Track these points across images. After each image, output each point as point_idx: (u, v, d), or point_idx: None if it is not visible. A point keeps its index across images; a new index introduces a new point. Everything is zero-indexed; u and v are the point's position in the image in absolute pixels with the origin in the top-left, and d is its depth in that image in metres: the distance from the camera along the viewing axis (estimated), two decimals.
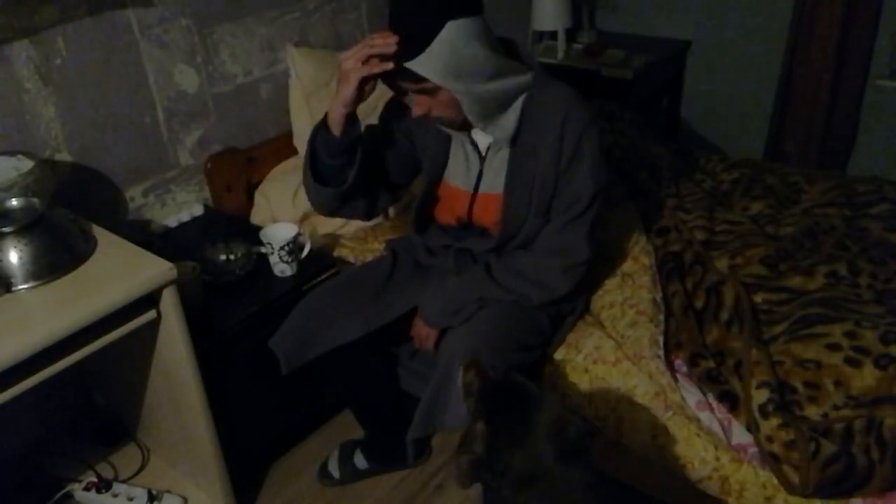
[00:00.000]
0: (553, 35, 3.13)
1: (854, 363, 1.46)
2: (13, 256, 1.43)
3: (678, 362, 1.64)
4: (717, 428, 1.51)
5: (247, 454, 1.94)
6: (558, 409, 1.19)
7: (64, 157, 1.92)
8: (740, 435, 1.49)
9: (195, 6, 2.08)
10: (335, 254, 2.12)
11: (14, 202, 1.52)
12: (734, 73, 3.11)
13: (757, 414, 1.44)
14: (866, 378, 1.44)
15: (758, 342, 1.57)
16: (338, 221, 2.18)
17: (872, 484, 1.35)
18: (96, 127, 1.96)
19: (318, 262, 1.99)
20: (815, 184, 2.16)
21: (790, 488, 1.39)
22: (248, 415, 1.90)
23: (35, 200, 1.52)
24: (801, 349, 1.53)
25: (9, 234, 1.43)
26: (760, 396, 1.45)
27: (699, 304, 1.73)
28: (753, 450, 1.46)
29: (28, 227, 1.45)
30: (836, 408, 1.43)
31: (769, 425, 1.41)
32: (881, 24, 2.71)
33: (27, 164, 1.62)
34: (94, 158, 1.98)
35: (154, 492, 1.81)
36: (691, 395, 1.56)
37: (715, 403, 1.54)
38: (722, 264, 1.84)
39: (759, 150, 3.08)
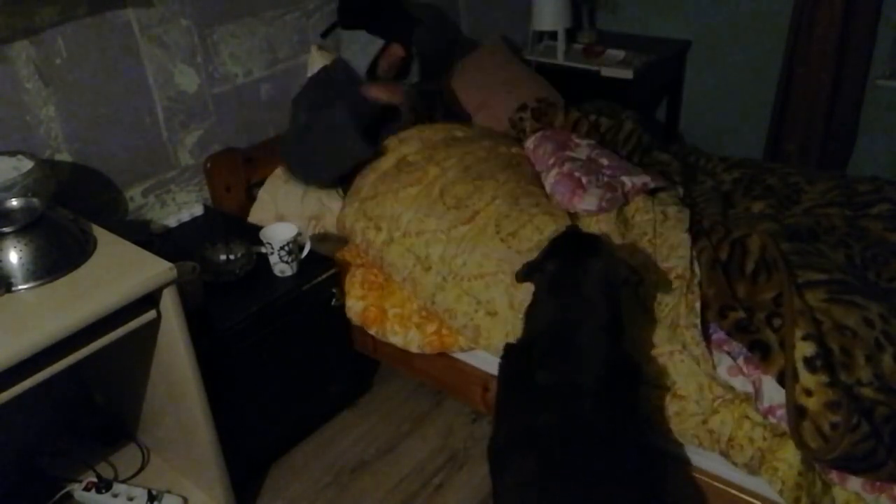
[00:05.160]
0: (553, 35, 3.13)
1: (879, 346, 1.45)
2: (13, 256, 1.43)
3: (712, 325, 1.62)
4: (750, 390, 1.49)
5: (247, 454, 1.94)
6: (611, 252, 1.54)
7: (64, 157, 1.92)
8: (771, 397, 1.47)
9: (195, 6, 2.08)
10: (337, 255, 2.12)
11: (14, 202, 1.52)
12: (734, 73, 3.11)
13: (801, 365, 1.41)
14: (884, 365, 1.44)
15: (795, 287, 1.54)
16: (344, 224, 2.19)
17: (879, 473, 1.35)
18: (96, 127, 1.96)
19: (318, 263, 2.00)
20: (815, 184, 2.15)
21: (803, 448, 1.38)
22: (248, 415, 1.90)
23: (35, 200, 1.52)
24: (842, 314, 1.50)
25: (9, 234, 1.43)
26: (807, 349, 1.42)
27: (723, 255, 1.70)
28: (782, 412, 1.44)
29: (28, 227, 1.45)
30: (860, 383, 1.41)
31: (815, 380, 1.38)
32: (881, 24, 2.71)
33: (27, 164, 1.62)
34: (94, 158, 1.98)
35: (154, 492, 1.81)
36: (722, 364, 1.55)
37: (744, 365, 1.52)
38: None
39: (759, 150, 3.08)
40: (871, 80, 2.80)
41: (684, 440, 1.57)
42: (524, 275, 1.55)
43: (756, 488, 1.53)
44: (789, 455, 1.42)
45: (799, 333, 1.45)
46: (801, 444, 1.38)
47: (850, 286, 1.57)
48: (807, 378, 1.40)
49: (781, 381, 1.44)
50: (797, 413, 1.39)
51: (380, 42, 2.18)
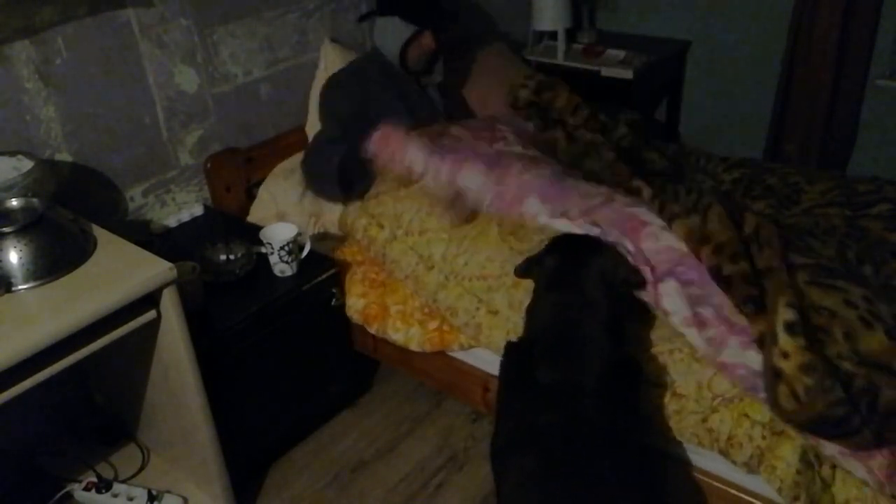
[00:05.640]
0: (553, 35, 3.13)
1: (867, 324, 1.47)
2: (13, 256, 1.43)
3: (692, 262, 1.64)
4: (701, 343, 1.52)
5: (247, 454, 1.94)
6: (615, 256, 1.54)
7: (64, 157, 1.92)
8: (732, 354, 1.50)
9: (195, 6, 2.08)
10: (337, 254, 2.12)
11: (14, 202, 1.52)
12: (734, 73, 3.12)
13: (780, 327, 1.43)
14: (874, 341, 1.45)
15: (786, 264, 1.57)
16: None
17: (853, 440, 1.36)
18: (96, 127, 1.96)
19: (318, 262, 2.00)
20: (815, 184, 2.15)
21: (778, 410, 1.40)
22: (248, 415, 1.90)
23: (35, 200, 1.52)
24: (820, 296, 1.52)
25: (9, 234, 1.43)
26: (790, 314, 1.44)
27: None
28: (742, 371, 1.47)
29: (28, 227, 1.45)
30: (840, 357, 1.43)
31: (793, 343, 1.40)
32: (881, 24, 2.71)
33: (27, 164, 1.62)
34: (93, 158, 1.98)
35: (154, 492, 1.81)
36: (677, 311, 1.57)
37: (713, 318, 1.54)
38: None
39: (759, 150, 3.08)
40: (871, 80, 2.80)
41: (683, 439, 1.58)
42: (523, 270, 1.56)
43: (756, 488, 1.54)
44: (787, 453, 1.43)
45: (783, 300, 1.47)
46: (775, 405, 1.40)
47: (834, 271, 1.59)
48: (785, 340, 1.42)
49: (761, 344, 1.46)
50: (773, 376, 1.40)
51: (411, 28, 2.16)
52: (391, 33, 2.19)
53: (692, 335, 1.55)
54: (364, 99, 2.16)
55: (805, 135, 2.90)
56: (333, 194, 2.13)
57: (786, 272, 1.55)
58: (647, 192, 1.92)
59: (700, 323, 1.55)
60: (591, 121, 2.28)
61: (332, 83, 2.24)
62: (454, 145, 2.04)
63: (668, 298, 1.59)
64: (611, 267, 1.50)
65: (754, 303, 1.52)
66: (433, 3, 2.21)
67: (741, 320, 1.54)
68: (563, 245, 1.55)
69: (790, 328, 1.42)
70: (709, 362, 1.52)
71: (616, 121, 2.39)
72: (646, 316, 1.66)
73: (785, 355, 1.40)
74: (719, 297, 1.58)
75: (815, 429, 1.38)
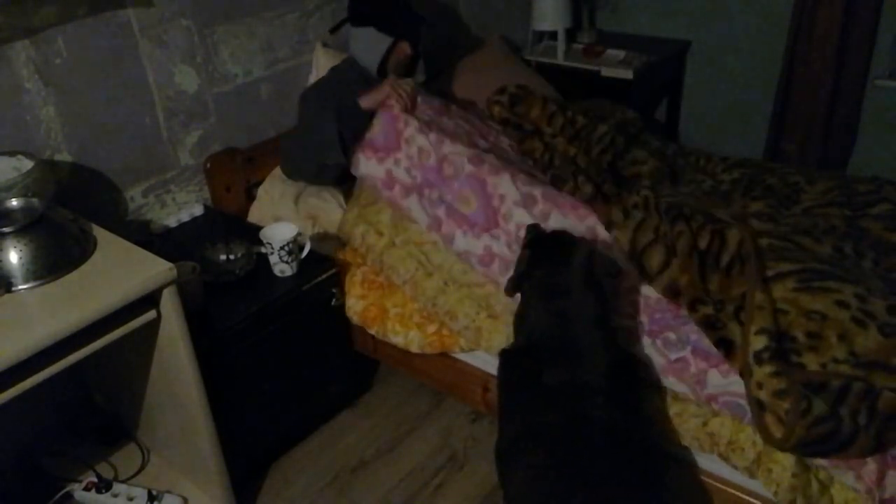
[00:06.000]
0: (553, 35, 3.13)
1: (860, 323, 1.46)
2: (13, 256, 1.43)
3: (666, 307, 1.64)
4: (683, 388, 1.55)
5: (247, 454, 1.94)
6: (590, 249, 1.56)
7: (64, 157, 1.92)
8: (714, 385, 1.52)
9: (195, 6, 2.08)
10: (339, 255, 2.12)
11: (14, 202, 1.52)
12: (734, 73, 3.12)
13: (751, 359, 1.45)
14: (869, 340, 1.44)
15: (763, 282, 1.57)
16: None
17: (851, 450, 1.35)
18: (96, 127, 1.96)
19: (318, 263, 2.00)
20: (815, 184, 2.15)
21: (769, 439, 1.40)
22: (248, 415, 1.90)
23: (35, 200, 1.52)
24: (809, 300, 1.52)
25: (9, 234, 1.43)
26: (758, 343, 1.46)
27: (703, 243, 1.71)
28: (725, 399, 1.49)
29: (28, 227, 1.45)
30: (836, 361, 1.43)
31: (762, 372, 1.42)
32: (881, 24, 2.71)
33: (27, 164, 1.62)
34: (94, 159, 1.98)
35: (154, 492, 1.81)
36: (653, 364, 1.59)
37: (691, 356, 1.56)
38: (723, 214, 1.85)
39: (759, 150, 3.08)
40: (871, 80, 2.80)
41: (684, 441, 1.58)
42: (513, 288, 1.58)
43: (758, 489, 1.54)
44: (783, 457, 1.43)
45: (753, 329, 1.48)
46: (767, 436, 1.40)
47: (824, 273, 1.59)
48: (756, 371, 1.43)
49: (743, 376, 1.48)
50: (758, 407, 1.42)
51: (388, 40, 2.19)
52: (368, 46, 2.21)
53: (672, 384, 1.57)
54: (344, 98, 2.17)
55: (805, 134, 2.90)
56: (329, 160, 2.09)
57: (760, 291, 1.55)
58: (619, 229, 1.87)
59: (678, 370, 1.56)
60: (566, 128, 2.27)
61: (312, 88, 2.27)
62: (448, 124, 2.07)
63: (646, 351, 1.62)
64: (589, 262, 1.52)
65: (726, 346, 1.53)
66: (405, 10, 2.23)
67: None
68: (544, 251, 1.57)
69: (758, 358, 1.44)
70: (695, 399, 1.54)
71: (594, 122, 2.33)
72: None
73: (759, 385, 1.42)
74: (696, 333, 1.59)
75: (806, 451, 1.39)
